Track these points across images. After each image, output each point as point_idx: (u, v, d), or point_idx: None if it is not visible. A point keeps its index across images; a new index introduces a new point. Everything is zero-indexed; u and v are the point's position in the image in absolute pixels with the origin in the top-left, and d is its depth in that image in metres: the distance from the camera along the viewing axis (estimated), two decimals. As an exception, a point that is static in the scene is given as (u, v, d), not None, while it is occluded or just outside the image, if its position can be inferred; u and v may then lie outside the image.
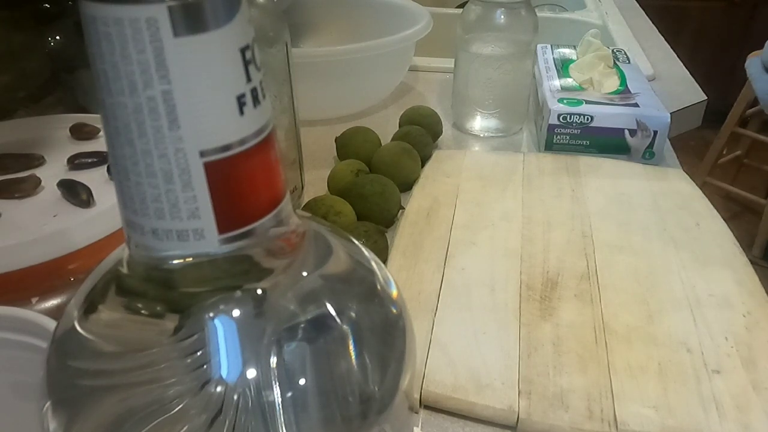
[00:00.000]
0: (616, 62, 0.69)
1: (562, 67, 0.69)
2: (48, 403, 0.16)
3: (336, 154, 0.60)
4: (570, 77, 0.67)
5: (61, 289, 0.33)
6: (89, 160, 0.41)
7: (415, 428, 0.35)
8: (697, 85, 0.79)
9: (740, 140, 2.08)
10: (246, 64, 0.14)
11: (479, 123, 0.67)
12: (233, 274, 0.15)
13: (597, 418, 0.34)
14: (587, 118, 0.59)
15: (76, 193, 0.37)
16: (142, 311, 0.16)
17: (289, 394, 0.15)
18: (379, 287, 0.19)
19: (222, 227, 0.15)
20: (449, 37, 0.70)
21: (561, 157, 0.60)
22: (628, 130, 0.59)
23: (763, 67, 1.66)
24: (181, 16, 0.12)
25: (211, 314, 0.15)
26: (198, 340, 0.15)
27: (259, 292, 0.16)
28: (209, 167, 0.14)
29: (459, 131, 0.68)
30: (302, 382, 0.15)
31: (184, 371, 0.15)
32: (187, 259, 0.15)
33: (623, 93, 0.63)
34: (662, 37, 0.98)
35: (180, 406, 0.15)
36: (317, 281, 0.17)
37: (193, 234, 0.14)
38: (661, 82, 0.80)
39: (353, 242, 0.20)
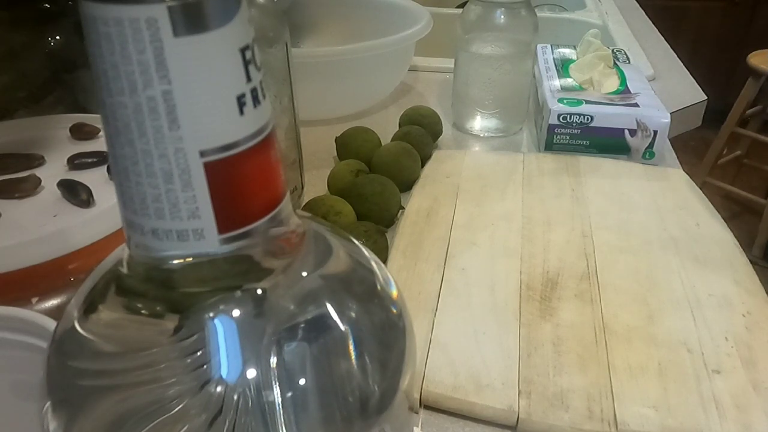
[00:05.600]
0: (616, 62, 0.69)
1: (562, 67, 0.69)
2: (48, 403, 0.16)
3: (336, 154, 0.60)
4: (570, 77, 0.67)
5: (61, 289, 0.33)
6: (89, 160, 0.41)
7: (415, 428, 0.35)
8: (697, 85, 0.79)
9: (740, 140, 2.08)
10: (246, 64, 0.14)
11: (479, 123, 0.67)
12: (233, 274, 0.15)
13: (597, 418, 0.34)
14: (587, 118, 0.59)
15: (76, 193, 0.37)
16: (142, 311, 0.16)
17: (289, 394, 0.15)
18: (379, 287, 0.19)
19: (222, 227, 0.15)
20: (449, 37, 0.70)
21: (561, 157, 0.60)
22: (628, 130, 0.59)
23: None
24: (181, 16, 0.12)
25: (211, 314, 0.15)
26: (198, 340, 0.15)
27: (259, 292, 0.16)
28: (209, 167, 0.14)
29: (459, 131, 0.68)
30: (302, 382, 0.15)
31: (184, 371, 0.15)
32: (187, 259, 0.15)
33: (623, 93, 0.63)
34: (662, 37, 0.98)
35: (180, 406, 0.15)
36: (317, 281, 0.17)
37: (193, 234, 0.14)
38: (661, 82, 0.80)
39: (353, 242, 0.20)
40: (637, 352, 0.37)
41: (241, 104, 0.14)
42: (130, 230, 0.15)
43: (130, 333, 0.16)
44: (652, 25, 1.04)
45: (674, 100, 0.74)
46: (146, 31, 0.12)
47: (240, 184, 0.14)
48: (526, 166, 0.58)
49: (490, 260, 0.46)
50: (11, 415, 0.26)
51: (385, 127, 0.62)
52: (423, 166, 0.58)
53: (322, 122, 0.68)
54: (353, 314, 0.17)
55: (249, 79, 0.14)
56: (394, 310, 0.19)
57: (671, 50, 0.92)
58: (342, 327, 0.17)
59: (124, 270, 0.16)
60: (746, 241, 1.83)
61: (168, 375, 0.15)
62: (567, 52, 0.73)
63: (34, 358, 0.25)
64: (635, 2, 1.17)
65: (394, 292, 0.19)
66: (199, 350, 0.15)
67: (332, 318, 0.16)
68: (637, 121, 0.59)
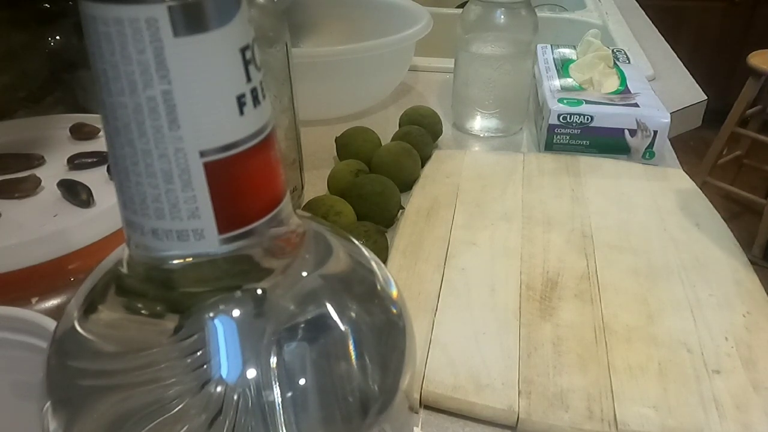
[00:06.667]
0: (616, 62, 0.69)
1: (562, 67, 0.69)
2: (48, 403, 0.16)
3: (336, 154, 0.60)
4: (570, 77, 0.67)
5: (61, 289, 0.33)
6: (89, 160, 0.41)
7: (415, 428, 0.35)
8: (697, 85, 0.79)
9: (740, 140, 2.08)
10: (246, 64, 0.14)
11: (479, 123, 0.67)
12: (233, 274, 0.15)
13: (597, 418, 0.34)
14: (587, 118, 0.59)
15: (76, 193, 0.37)
16: (142, 311, 0.16)
17: (289, 394, 0.15)
18: (379, 287, 0.19)
19: (222, 227, 0.15)
20: (449, 37, 0.70)
21: (561, 157, 0.60)
22: (628, 130, 0.59)
23: None
24: (181, 16, 0.12)
25: (211, 314, 0.15)
26: (198, 340, 0.15)
27: (259, 292, 0.16)
28: (209, 167, 0.14)
29: (459, 131, 0.68)
30: (302, 382, 0.15)
31: (184, 371, 0.15)
32: (187, 259, 0.15)
33: (623, 93, 0.63)
34: (662, 37, 0.98)
35: (180, 406, 0.15)
36: (317, 281, 0.17)
37: (193, 234, 0.14)
38: (661, 82, 0.80)
39: (353, 242, 0.20)
40: (637, 352, 0.37)
41: (241, 104, 0.14)
42: (130, 230, 0.15)
43: (130, 333, 0.16)
44: (652, 25, 1.04)
45: (674, 100, 0.74)
46: (146, 31, 0.12)
47: (240, 185, 0.14)
48: (526, 166, 0.58)
49: (490, 260, 0.46)
50: (11, 415, 0.26)
51: (385, 127, 0.62)
52: (423, 166, 0.58)
53: (322, 122, 0.68)
54: (353, 314, 0.17)
55: (249, 79, 0.14)
56: (394, 310, 0.19)
57: (671, 50, 0.92)
58: (342, 327, 0.17)
59: (124, 270, 0.16)
60: (746, 241, 1.83)
61: (168, 375, 0.15)
62: (567, 52, 0.73)
63: (34, 358, 0.25)
64: (635, 2, 1.17)
65: (394, 292, 0.19)
66: (199, 350, 0.15)
67: (332, 318, 0.16)
68: (637, 121, 0.59)
